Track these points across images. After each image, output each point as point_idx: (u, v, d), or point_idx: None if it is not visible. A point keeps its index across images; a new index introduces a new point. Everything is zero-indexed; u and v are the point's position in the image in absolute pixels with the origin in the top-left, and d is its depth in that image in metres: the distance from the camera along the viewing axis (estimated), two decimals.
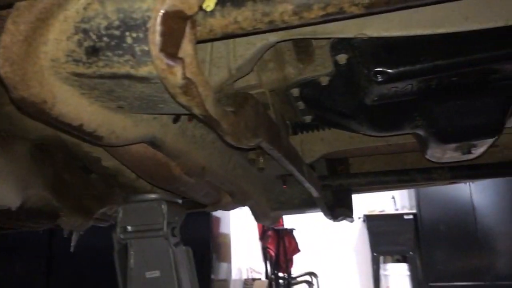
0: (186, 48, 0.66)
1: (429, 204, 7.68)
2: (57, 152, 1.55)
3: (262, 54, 1.13)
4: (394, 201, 8.66)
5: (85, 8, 0.70)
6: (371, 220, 8.11)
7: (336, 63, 1.24)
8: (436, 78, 1.11)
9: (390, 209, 8.39)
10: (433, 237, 7.52)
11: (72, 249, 2.13)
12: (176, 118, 1.14)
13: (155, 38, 0.63)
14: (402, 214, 7.95)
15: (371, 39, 1.11)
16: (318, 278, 5.83)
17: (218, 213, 5.44)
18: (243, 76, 1.18)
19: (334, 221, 2.10)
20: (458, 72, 1.08)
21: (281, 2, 0.71)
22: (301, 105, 1.48)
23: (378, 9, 0.70)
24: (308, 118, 1.61)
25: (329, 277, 8.01)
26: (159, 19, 0.63)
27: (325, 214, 2.00)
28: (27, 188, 1.37)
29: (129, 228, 1.68)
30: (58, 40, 0.71)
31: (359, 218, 8.49)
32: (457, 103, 1.18)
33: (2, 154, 1.30)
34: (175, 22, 0.64)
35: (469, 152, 1.28)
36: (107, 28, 0.69)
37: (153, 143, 1.09)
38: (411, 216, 7.83)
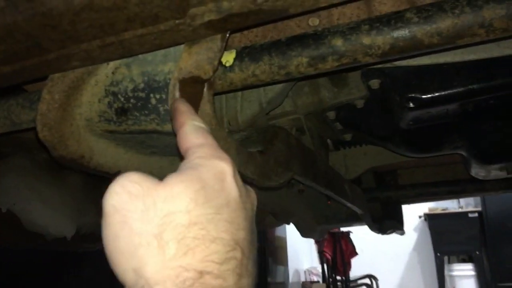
0: (205, 107, 0.70)
1: (495, 202, 7.31)
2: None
3: (292, 86, 1.15)
4: (458, 199, 8.32)
5: (113, 72, 0.76)
6: (433, 219, 7.83)
7: (369, 88, 1.23)
8: (472, 102, 1.08)
9: (453, 207, 8.07)
10: (501, 235, 7.16)
11: None
12: None
13: None
14: (467, 212, 7.63)
15: (401, 65, 1.10)
16: (378, 281, 5.72)
17: None
18: (275, 108, 1.20)
19: (382, 234, 2.07)
20: (495, 96, 1.05)
21: (296, 56, 0.72)
22: (338, 126, 1.49)
23: (392, 57, 0.70)
24: (348, 136, 1.61)
25: (390, 280, 7.84)
26: (177, 85, 0.67)
27: (372, 229, 1.98)
28: (81, 216, 1.47)
29: None
30: (90, 102, 0.77)
31: (420, 217, 8.23)
32: (497, 124, 1.14)
33: (56, 185, 1.40)
34: (193, 87, 0.68)
35: None
36: (134, 90, 0.74)
37: None
38: (476, 214, 7.50)
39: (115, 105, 0.76)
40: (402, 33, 0.66)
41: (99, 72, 0.76)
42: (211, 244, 0.40)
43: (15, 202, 1.31)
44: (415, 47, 0.67)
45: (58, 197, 1.38)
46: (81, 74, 0.73)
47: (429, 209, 7.94)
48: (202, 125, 0.53)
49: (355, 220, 2.00)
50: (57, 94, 0.73)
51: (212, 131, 0.72)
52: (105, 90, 0.76)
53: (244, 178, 0.85)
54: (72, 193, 1.44)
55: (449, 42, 0.65)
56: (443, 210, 7.95)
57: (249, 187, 0.52)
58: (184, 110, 0.56)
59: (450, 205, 8.11)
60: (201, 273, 0.38)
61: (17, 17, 0.58)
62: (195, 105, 0.69)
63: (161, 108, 0.73)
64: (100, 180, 1.61)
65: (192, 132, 0.51)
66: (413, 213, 8.10)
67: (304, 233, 2.00)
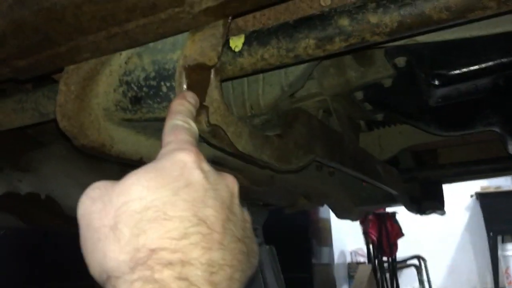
0: (212, 94, 0.71)
1: None
2: None
3: (313, 68, 1.13)
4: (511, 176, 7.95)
5: (126, 62, 0.78)
6: (485, 198, 7.55)
7: (395, 66, 1.20)
8: (503, 76, 1.03)
9: (506, 185, 7.71)
10: None
11: None
12: None
13: (181, 91, 0.68)
14: None
15: (427, 42, 1.05)
16: (427, 262, 5.59)
17: None
18: (297, 91, 1.19)
19: (421, 215, 2.02)
20: None
21: (303, 38, 0.71)
22: (367, 106, 1.46)
23: (401, 35, 0.67)
24: (379, 116, 1.58)
25: (440, 261, 7.63)
26: (183, 73, 0.68)
27: (409, 209, 1.94)
28: None
29: None
30: (106, 92, 0.80)
31: (471, 196, 7.95)
32: None
33: (93, 172, 1.46)
34: (199, 73, 0.69)
35: None
36: (146, 79, 0.76)
37: (215, 162, 1.15)
38: None
39: (129, 94, 0.78)
40: (409, 9, 0.64)
41: (113, 62, 0.78)
42: (167, 223, 0.41)
43: (54, 188, 1.38)
44: (424, 24, 0.64)
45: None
46: (95, 65, 0.75)
47: (481, 188, 7.65)
48: (180, 122, 0.54)
49: (393, 201, 1.96)
50: (73, 85, 0.76)
51: (222, 117, 0.73)
52: (119, 79, 0.79)
53: (260, 162, 0.85)
54: (108, 179, 1.49)
55: (459, 16, 0.62)
56: (496, 188, 7.64)
57: (226, 174, 0.51)
58: (171, 110, 0.57)
59: (503, 183, 7.76)
60: (154, 251, 0.39)
61: (25, 12, 0.61)
62: (202, 91, 0.70)
63: (172, 96, 0.75)
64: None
65: (166, 133, 0.53)
66: (464, 192, 7.82)
67: (340, 215, 1.98)
